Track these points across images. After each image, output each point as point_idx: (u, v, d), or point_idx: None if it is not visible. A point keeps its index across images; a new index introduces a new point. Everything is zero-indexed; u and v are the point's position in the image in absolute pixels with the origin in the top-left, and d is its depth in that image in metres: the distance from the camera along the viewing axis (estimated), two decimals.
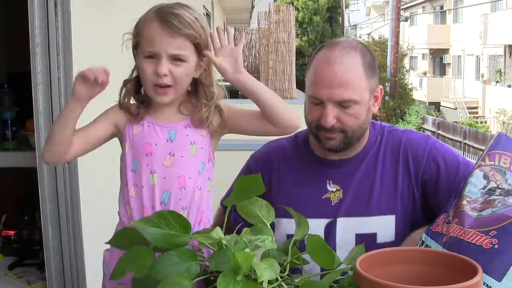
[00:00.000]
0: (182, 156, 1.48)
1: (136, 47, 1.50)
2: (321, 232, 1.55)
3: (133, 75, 1.54)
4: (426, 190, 1.58)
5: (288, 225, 1.54)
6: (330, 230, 1.57)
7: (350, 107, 1.52)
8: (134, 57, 1.53)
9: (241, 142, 3.64)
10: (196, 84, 1.53)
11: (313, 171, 1.63)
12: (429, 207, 1.57)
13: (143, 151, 1.48)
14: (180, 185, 1.47)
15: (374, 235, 1.55)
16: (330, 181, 1.61)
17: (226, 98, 1.58)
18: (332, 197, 1.59)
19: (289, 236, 1.30)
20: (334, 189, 1.60)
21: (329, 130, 1.53)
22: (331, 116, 1.51)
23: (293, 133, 1.73)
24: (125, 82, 1.55)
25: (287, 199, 1.58)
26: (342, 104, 1.51)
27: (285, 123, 1.46)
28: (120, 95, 1.54)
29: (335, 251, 1.52)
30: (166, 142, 1.48)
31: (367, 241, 1.47)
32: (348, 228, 1.56)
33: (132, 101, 1.55)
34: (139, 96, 1.54)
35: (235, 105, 1.54)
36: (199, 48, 1.47)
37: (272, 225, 1.49)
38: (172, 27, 1.43)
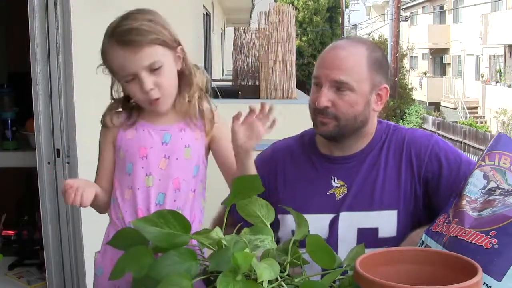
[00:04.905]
0: (177, 159, 1.48)
1: (111, 71, 1.48)
2: (325, 228, 1.57)
3: (113, 91, 1.53)
4: (428, 187, 1.59)
5: (293, 221, 1.54)
6: (333, 224, 1.59)
7: (345, 94, 1.54)
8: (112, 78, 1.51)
9: None
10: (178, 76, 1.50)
11: (318, 168, 1.66)
12: (431, 205, 1.59)
13: (138, 155, 1.48)
14: (175, 187, 1.48)
15: (375, 230, 1.57)
16: (335, 177, 1.62)
17: (213, 96, 1.57)
18: (336, 193, 1.61)
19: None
20: (338, 185, 1.62)
21: (323, 114, 1.56)
22: (325, 98, 1.54)
23: (300, 132, 1.77)
24: (111, 106, 1.54)
25: (293, 196, 1.61)
26: (338, 88, 1.54)
27: None
28: (105, 115, 1.53)
29: (337, 245, 1.55)
30: (161, 145, 1.49)
31: (368, 235, 1.49)
32: (350, 223, 1.58)
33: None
34: (129, 104, 1.53)
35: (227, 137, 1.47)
36: (167, 44, 1.44)
37: (277, 222, 1.50)
38: (132, 43, 1.39)
